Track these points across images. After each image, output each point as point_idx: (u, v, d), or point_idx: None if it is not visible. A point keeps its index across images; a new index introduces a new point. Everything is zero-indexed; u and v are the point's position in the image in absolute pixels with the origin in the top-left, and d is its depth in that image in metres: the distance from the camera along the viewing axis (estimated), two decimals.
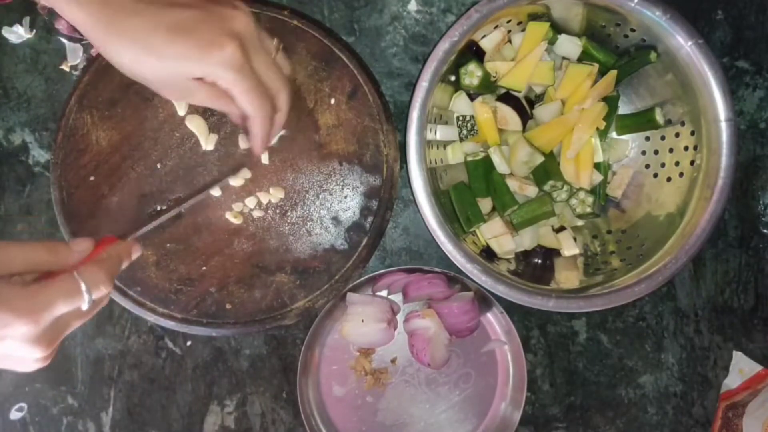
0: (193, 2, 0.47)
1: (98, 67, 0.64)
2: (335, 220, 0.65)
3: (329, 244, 0.65)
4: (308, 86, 0.65)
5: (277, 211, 0.65)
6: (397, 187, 0.66)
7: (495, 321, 0.68)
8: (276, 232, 0.65)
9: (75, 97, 0.64)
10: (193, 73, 0.47)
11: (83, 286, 0.44)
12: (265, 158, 0.64)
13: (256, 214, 0.65)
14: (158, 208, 0.64)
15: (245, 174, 0.64)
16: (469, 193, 0.64)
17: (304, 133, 0.65)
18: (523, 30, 0.63)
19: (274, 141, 0.64)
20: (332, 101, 0.65)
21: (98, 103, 0.64)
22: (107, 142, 0.64)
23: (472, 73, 0.63)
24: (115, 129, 0.64)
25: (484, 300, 0.66)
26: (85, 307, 0.45)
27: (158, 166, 0.64)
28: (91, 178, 0.64)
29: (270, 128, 0.52)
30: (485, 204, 0.65)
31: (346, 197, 0.65)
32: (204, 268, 0.64)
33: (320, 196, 0.65)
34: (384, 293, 0.68)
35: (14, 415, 0.68)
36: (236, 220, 0.64)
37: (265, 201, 0.65)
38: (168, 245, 0.64)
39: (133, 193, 0.64)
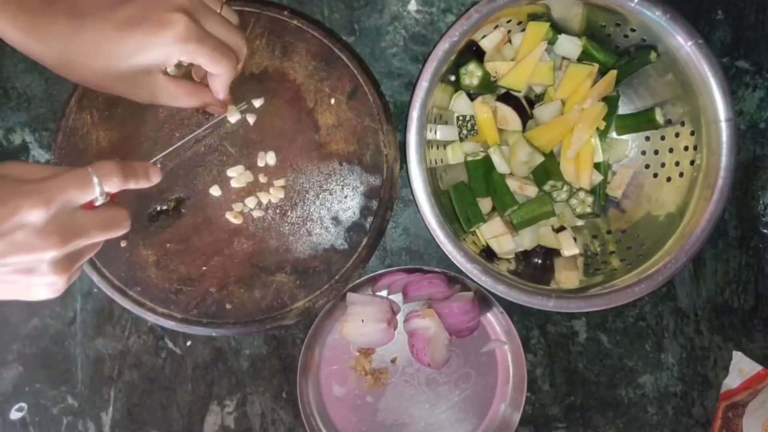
0: None
1: None
2: (335, 220, 0.65)
3: (329, 244, 0.65)
4: (308, 86, 0.65)
5: (277, 211, 0.65)
6: (397, 187, 0.66)
7: (495, 321, 0.68)
8: (276, 232, 0.65)
9: (75, 97, 0.64)
10: (156, 59, 0.48)
11: (94, 177, 0.44)
12: (237, 115, 0.64)
13: (256, 214, 0.65)
14: (158, 208, 0.64)
15: (241, 171, 0.64)
16: (469, 193, 0.64)
17: (304, 133, 0.65)
18: (523, 30, 0.63)
19: (269, 160, 0.65)
20: (332, 101, 0.65)
21: (98, 103, 0.64)
22: (107, 142, 0.64)
23: (472, 73, 0.63)
24: (115, 129, 0.64)
25: (484, 300, 0.66)
26: (98, 200, 0.44)
27: (158, 166, 0.64)
28: None
29: (233, 77, 0.55)
30: (485, 204, 0.65)
31: (346, 197, 0.65)
32: (204, 268, 0.64)
33: (320, 196, 0.65)
34: (384, 293, 0.68)
35: (14, 415, 0.68)
36: (236, 220, 0.64)
37: (265, 201, 0.65)
38: (168, 245, 0.64)
39: (133, 193, 0.64)
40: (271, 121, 0.65)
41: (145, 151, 0.64)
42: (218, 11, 0.52)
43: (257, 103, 0.64)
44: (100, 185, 0.45)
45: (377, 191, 0.65)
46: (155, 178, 0.51)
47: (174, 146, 0.62)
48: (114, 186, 0.46)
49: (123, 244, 0.64)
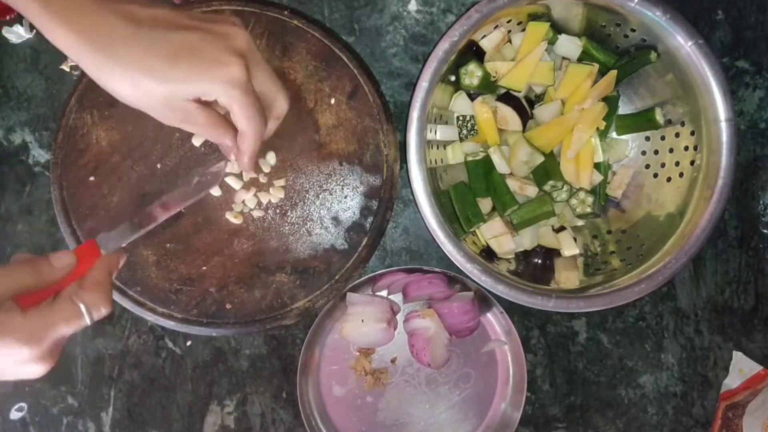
0: (193, 24, 0.47)
1: None
2: (335, 220, 0.65)
3: (329, 244, 0.65)
4: (308, 86, 0.65)
5: (277, 211, 0.65)
6: (397, 187, 0.66)
7: (495, 321, 0.68)
8: (276, 232, 0.65)
9: (75, 97, 0.64)
10: (196, 92, 0.46)
11: (83, 309, 0.45)
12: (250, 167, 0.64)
13: (256, 214, 0.65)
14: None
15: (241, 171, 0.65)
16: (469, 193, 0.64)
17: (304, 133, 0.65)
18: (523, 30, 0.63)
19: (269, 159, 0.64)
20: (332, 101, 0.65)
21: (98, 103, 0.64)
22: (107, 142, 0.64)
23: (472, 73, 0.63)
24: (115, 129, 0.64)
25: (484, 300, 0.66)
26: (87, 323, 0.46)
27: (158, 166, 0.64)
28: (91, 178, 0.64)
29: (260, 142, 0.52)
30: (485, 204, 0.65)
31: (346, 197, 0.65)
32: (204, 268, 0.64)
33: (320, 196, 0.65)
34: (384, 293, 0.68)
35: (14, 415, 0.68)
36: (236, 220, 0.64)
37: (265, 201, 0.65)
38: (168, 245, 0.64)
39: (133, 193, 0.64)
40: None
41: (145, 150, 0.64)
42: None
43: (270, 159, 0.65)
44: (89, 315, 0.45)
45: (377, 191, 0.65)
46: (122, 263, 0.52)
47: (135, 235, 0.57)
48: (101, 315, 0.47)
49: (123, 244, 0.64)
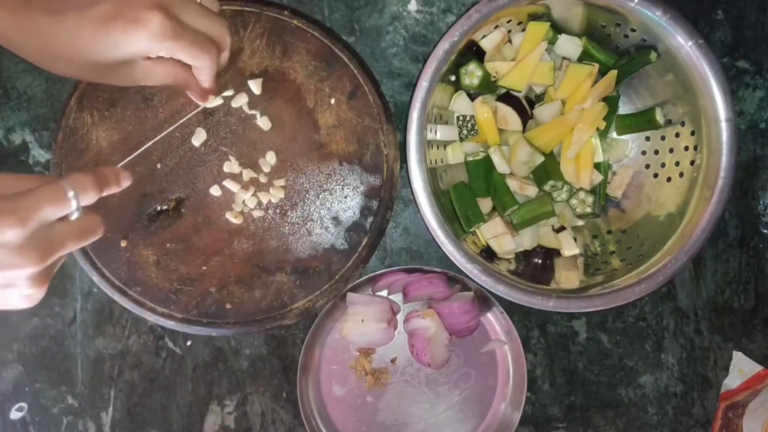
0: None
1: None
2: (335, 220, 0.65)
3: (329, 244, 0.65)
4: (308, 86, 0.65)
5: (277, 211, 0.65)
6: (397, 187, 0.66)
7: (495, 321, 0.68)
8: (276, 232, 0.65)
9: (75, 97, 0.64)
10: (133, 54, 0.48)
11: (70, 191, 0.43)
12: (218, 100, 0.64)
13: (256, 214, 0.65)
14: (158, 208, 0.64)
15: (241, 171, 0.65)
16: (469, 193, 0.64)
17: (304, 133, 0.65)
18: (523, 30, 0.63)
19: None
20: (332, 101, 0.65)
21: (98, 103, 0.64)
22: (107, 142, 0.64)
23: (472, 73, 0.63)
24: (115, 129, 0.64)
25: (484, 300, 0.66)
26: (74, 214, 0.44)
27: (158, 166, 0.64)
28: None
29: (216, 69, 0.55)
30: (485, 204, 0.65)
31: (346, 197, 0.65)
32: (204, 268, 0.64)
33: (320, 196, 0.65)
34: (384, 293, 0.68)
35: (14, 415, 0.68)
36: (236, 220, 0.64)
37: (265, 201, 0.65)
38: (168, 245, 0.64)
39: (133, 193, 0.64)
40: (271, 121, 0.65)
41: (145, 150, 0.64)
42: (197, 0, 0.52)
43: (254, 86, 0.64)
44: (76, 199, 0.44)
45: (377, 191, 0.65)
46: (126, 182, 0.50)
47: (145, 147, 0.62)
48: (90, 199, 0.45)
49: (123, 244, 0.64)
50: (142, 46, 0.48)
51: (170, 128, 0.64)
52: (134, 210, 0.64)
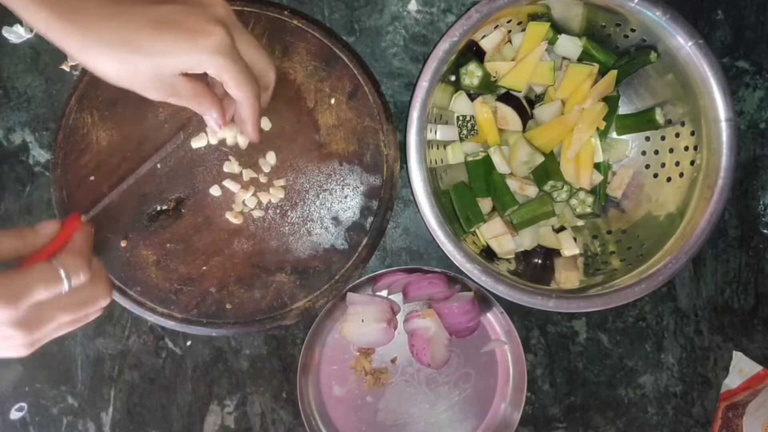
0: None
1: None
2: (335, 220, 0.65)
3: (329, 244, 0.65)
4: (308, 86, 0.65)
5: (277, 211, 0.65)
6: (397, 187, 0.66)
7: (495, 321, 0.68)
8: (276, 232, 0.65)
9: (75, 97, 0.64)
10: (184, 65, 0.46)
11: (62, 272, 0.45)
12: (244, 142, 0.64)
13: (256, 214, 0.65)
14: (158, 208, 0.64)
15: (241, 171, 0.65)
16: (469, 193, 0.64)
17: (304, 133, 0.65)
18: (523, 30, 0.63)
19: (263, 125, 0.64)
20: (332, 101, 0.65)
21: (98, 103, 0.64)
22: (107, 142, 0.64)
23: (472, 73, 0.63)
24: (115, 129, 0.64)
25: (484, 300, 0.66)
26: (65, 288, 0.45)
27: (158, 166, 0.64)
28: (91, 178, 0.64)
29: (259, 109, 0.53)
30: (485, 204, 0.65)
31: (346, 197, 0.65)
32: (204, 268, 0.64)
33: (320, 196, 0.65)
34: (384, 293, 0.68)
35: (14, 415, 0.68)
36: (236, 220, 0.64)
37: (265, 201, 0.65)
38: (168, 245, 0.64)
39: (133, 193, 0.64)
40: (271, 121, 0.65)
41: (145, 150, 0.64)
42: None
43: (264, 124, 0.65)
44: (68, 280, 0.45)
45: (377, 191, 0.65)
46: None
47: (102, 203, 0.62)
48: (81, 280, 0.46)
49: (123, 244, 0.64)
50: (194, 59, 0.46)
51: (167, 149, 0.64)
52: (134, 210, 0.64)
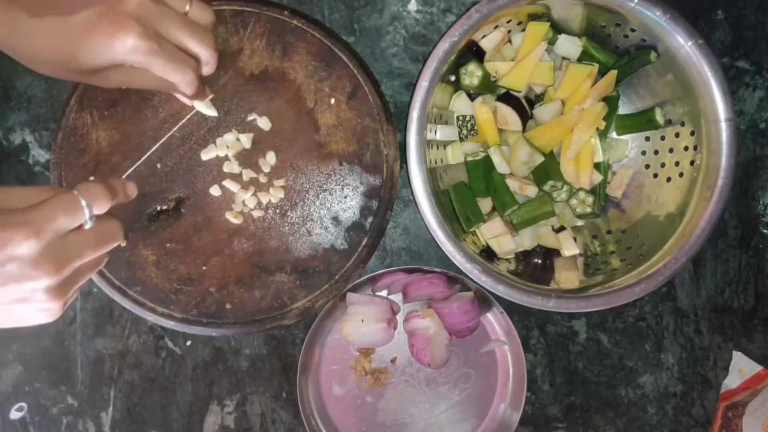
0: None
1: None
2: (335, 220, 0.65)
3: (329, 244, 0.65)
4: (308, 86, 0.65)
5: (277, 211, 0.65)
6: (397, 187, 0.66)
7: (495, 321, 0.68)
8: (276, 232, 0.65)
9: (75, 97, 0.64)
10: (110, 62, 0.49)
11: (82, 200, 0.43)
12: (212, 111, 0.64)
13: (256, 214, 0.65)
14: (158, 208, 0.64)
15: (241, 170, 0.65)
16: (469, 193, 0.64)
17: (304, 133, 0.65)
18: (523, 30, 0.63)
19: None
20: (332, 101, 0.65)
21: (98, 103, 0.64)
22: (107, 142, 0.64)
23: (472, 73, 0.63)
24: (115, 129, 0.64)
25: (484, 300, 0.66)
26: (87, 224, 0.43)
27: (158, 166, 0.64)
28: (91, 178, 0.64)
29: (198, 84, 0.54)
30: (485, 204, 0.65)
31: (346, 197, 0.65)
32: (204, 268, 0.64)
33: (320, 196, 0.65)
34: (384, 293, 0.68)
35: (14, 415, 0.68)
36: (236, 220, 0.64)
37: (265, 201, 0.65)
38: (168, 245, 0.64)
39: None
40: (271, 121, 0.65)
41: (145, 150, 0.64)
42: (185, 9, 0.51)
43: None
44: (89, 208, 0.43)
45: (377, 191, 0.65)
46: (132, 192, 0.51)
47: (150, 151, 0.63)
48: (102, 208, 0.45)
49: (123, 244, 0.64)
50: (118, 58, 0.48)
51: (171, 130, 0.64)
52: (134, 210, 0.64)
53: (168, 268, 0.64)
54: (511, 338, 0.67)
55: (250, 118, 0.65)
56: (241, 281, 0.64)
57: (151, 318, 0.64)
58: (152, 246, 0.64)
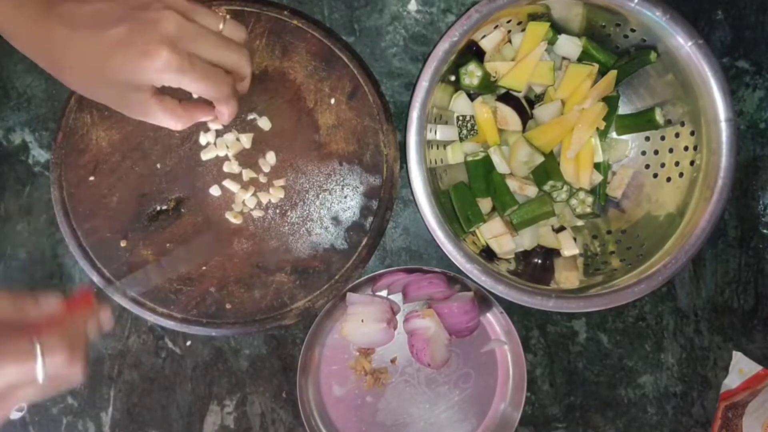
0: (126, 14, 0.47)
1: None
2: (335, 220, 0.65)
3: (329, 244, 0.65)
4: (308, 86, 0.65)
5: (277, 211, 0.65)
6: (397, 187, 0.66)
7: (495, 321, 0.68)
8: (276, 232, 0.65)
9: (75, 97, 0.64)
10: (139, 81, 0.48)
11: (37, 348, 0.40)
12: (216, 124, 0.64)
13: (256, 214, 0.65)
14: (158, 208, 0.64)
15: (241, 170, 0.65)
16: (469, 193, 0.64)
17: (304, 133, 0.65)
18: (523, 30, 0.63)
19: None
20: (332, 101, 0.65)
21: (98, 103, 0.64)
22: (107, 142, 0.64)
23: (472, 73, 0.63)
24: (115, 129, 0.64)
25: (484, 300, 0.66)
26: (39, 377, 0.41)
27: (158, 166, 0.64)
28: (91, 178, 0.64)
29: (234, 101, 0.54)
30: (485, 204, 0.65)
31: (346, 197, 0.65)
32: (204, 268, 0.64)
33: (320, 196, 0.65)
34: (384, 293, 0.68)
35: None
36: (236, 220, 0.64)
37: (265, 201, 0.65)
38: (168, 245, 0.64)
39: (133, 193, 0.64)
40: (271, 121, 0.65)
41: (145, 150, 0.64)
42: (219, 28, 0.51)
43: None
44: (43, 360, 0.41)
45: (377, 191, 0.65)
46: (108, 326, 0.51)
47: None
48: (56, 365, 0.42)
49: (123, 244, 0.64)
50: (148, 77, 0.48)
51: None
52: (134, 210, 0.64)
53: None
54: (511, 338, 0.67)
55: (250, 117, 0.65)
56: (240, 281, 0.64)
57: (151, 318, 0.64)
58: (152, 246, 0.64)
